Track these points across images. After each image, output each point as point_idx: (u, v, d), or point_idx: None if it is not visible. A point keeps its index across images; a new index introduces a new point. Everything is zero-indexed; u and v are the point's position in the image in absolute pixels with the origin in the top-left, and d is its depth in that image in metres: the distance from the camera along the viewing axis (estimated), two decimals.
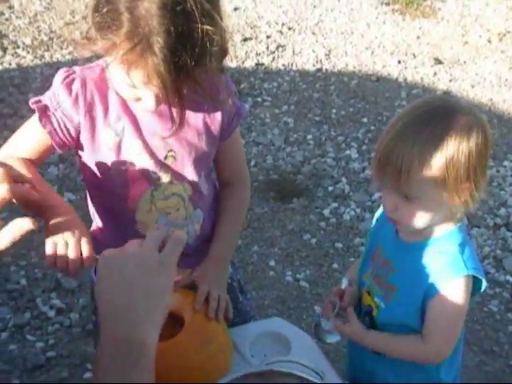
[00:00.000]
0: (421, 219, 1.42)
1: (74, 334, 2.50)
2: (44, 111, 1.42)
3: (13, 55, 4.24)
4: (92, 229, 1.64)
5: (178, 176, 1.53)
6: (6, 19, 4.63)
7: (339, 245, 3.03)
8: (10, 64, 4.15)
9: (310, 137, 3.76)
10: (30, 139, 1.47)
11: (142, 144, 1.46)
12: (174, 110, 1.40)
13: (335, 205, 3.26)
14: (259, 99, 4.04)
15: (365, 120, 3.94)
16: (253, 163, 3.49)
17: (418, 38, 4.86)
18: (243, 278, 1.87)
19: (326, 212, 3.21)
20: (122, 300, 1.02)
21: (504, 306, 2.80)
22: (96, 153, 1.47)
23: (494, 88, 4.34)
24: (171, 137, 1.45)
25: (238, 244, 1.75)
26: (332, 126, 3.87)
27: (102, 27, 1.26)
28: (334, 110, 4.01)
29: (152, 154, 1.48)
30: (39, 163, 1.48)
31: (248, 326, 1.66)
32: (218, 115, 1.53)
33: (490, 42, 4.85)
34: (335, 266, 2.91)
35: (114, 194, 1.52)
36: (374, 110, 4.04)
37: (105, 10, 1.25)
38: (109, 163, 1.47)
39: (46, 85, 4.21)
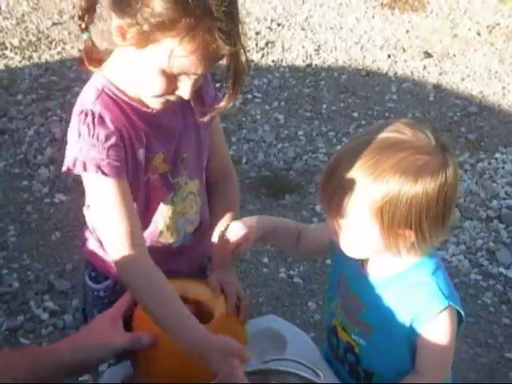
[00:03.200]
0: (355, 248, 1.34)
1: (67, 335, 2.49)
2: (101, 166, 1.32)
3: (0, 56, 4.20)
4: (91, 245, 1.62)
5: (190, 174, 1.54)
6: None
7: None
8: None
9: (301, 133, 3.75)
10: (122, 200, 1.36)
11: (163, 153, 1.46)
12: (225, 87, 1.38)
13: None
14: (249, 96, 4.03)
15: (355, 115, 3.94)
16: (244, 160, 3.48)
17: (408, 31, 4.86)
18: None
19: (319, 208, 3.20)
20: None
21: (498, 299, 2.80)
22: (131, 174, 1.42)
23: (484, 80, 4.35)
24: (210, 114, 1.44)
25: None
26: (323, 122, 3.86)
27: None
28: (325, 106, 4.00)
29: (171, 161, 1.48)
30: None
31: None
32: (203, 98, 1.51)
33: (479, 34, 4.85)
34: (329, 261, 2.91)
35: (138, 210, 1.48)
36: (364, 105, 4.03)
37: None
38: (136, 179, 1.44)
39: (34, 85, 4.16)
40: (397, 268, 1.35)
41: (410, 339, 1.36)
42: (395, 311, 1.35)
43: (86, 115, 1.33)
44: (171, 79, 1.30)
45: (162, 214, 1.52)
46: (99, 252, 1.60)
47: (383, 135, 1.25)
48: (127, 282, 1.40)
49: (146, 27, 1.22)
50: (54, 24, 4.61)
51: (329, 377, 1.45)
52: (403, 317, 1.34)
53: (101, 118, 1.34)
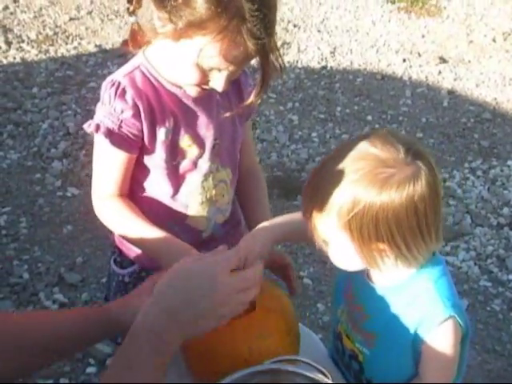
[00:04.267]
0: (340, 261, 1.32)
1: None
2: (111, 134, 1.42)
3: (17, 49, 4.24)
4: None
5: (222, 162, 1.57)
6: (11, 13, 4.63)
7: None
8: (15, 58, 4.15)
9: (314, 134, 3.75)
10: (118, 169, 1.47)
11: (191, 136, 1.49)
12: (257, 78, 1.42)
13: None
14: (264, 96, 4.03)
15: (369, 118, 3.94)
16: (257, 160, 3.48)
17: (423, 36, 4.86)
18: None
19: None
20: (177, 304, 1.13)
21: (507, 306, 2.79)
22: (152, 153, 1.48)
23: (499, 87, 4.34)
24: (239, 109, 1.48)
25: None
26: (337, 124, 3.86)
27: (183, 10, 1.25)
28: (339, 108, 4.00)
29: (201, 145, 1.51)
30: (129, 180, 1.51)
31: None
32: (243, 97, 1.56)
33: (494, 41, 4.84)
34: None
35: (167, 193, 1.54)
36: (378, 108, 4.03)
37: None
38: (162, 162, 1.49)
39: (50, 79, 4.17)
40: (400, 277, 1.32)
41: (414, 349, 1.33)
42: (399, 320, 1.33)
43: (113, 85, 1.42)
44: (204, 72, 1.34)
45: (192, 199, 1.56)
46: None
47: (358, 148, 1.23)
48: (100, 217, 1.53)
49: (180, 25, 1.25)
50: (71, 19, 4.64)
51: (337, 378, 1.45)
52: (407, 326, 1.32)
53: (123, 91, 1.41)
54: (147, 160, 1.50)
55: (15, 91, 3.83)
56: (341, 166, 1.22)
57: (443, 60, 4.57)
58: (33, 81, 3.94)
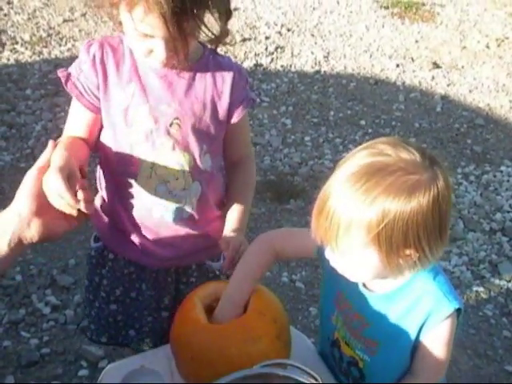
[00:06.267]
0: (357, 275, 1.33)
1: (68, 331, 2.49)
2: (68, 78, 1.53)
3: (11, 51, 4.22)
4: (96, 201, 1.69)
5: (180, 145, 1.57)
6: (5, 14, 4.61)
7: None
8: (9, 59, 4.14)
9: (307, 138, 3.76)
10: (75, 118, 1.58)
11: (148, 109, 1.53)
12: (179, 57, 1.45)
13: None
14: (257, 100, 4.04)
15: (362, 122, 3.94)
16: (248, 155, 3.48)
17: (417, 41, 4.87)
18: None
19: None
20: None
21: (499, 311, 2.80)
22: (107, 113, 1.54)
23: (492, 93, 4.35)
24: (167, 66, 1.48)
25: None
26: (330, 128, 3.87)
27: None
28: (332, 112, 4.01)
29: (157, 120, 1.54)
30: (94, 137, 1.58)
31: None
32: (227, 95, 1.58)
33: (488, 47, 4.87)
34: None
35: (120, 157, 1.57)
36: (371, 113, 4.04)
37: None
38: (117, 124, 1.54)
39: (43, 81, 4.13)
40: (397, 282, 1.35)
41: (414, 347, 1.36)
42: (401, 325, 1.35)
43: (90, 39, 1.55)
44: (140, 41, 1.41)
45: (141, 171, 1.57)
46: (98, 209, 1.70)
47: (368, 160, 1.23)
48: None
49: None
50: (64, 21, 4.63)
51: (329, 382, 1.45)
52: (411, 329, 1.34)
53: (90, 44, 1.52)
54: (106, 118, 1.55)
55: (9, 93, 3.82)
56: (355, 183, 1.21)
57: (436, 65, 4.59)
58: (26, 82, 3.93)
